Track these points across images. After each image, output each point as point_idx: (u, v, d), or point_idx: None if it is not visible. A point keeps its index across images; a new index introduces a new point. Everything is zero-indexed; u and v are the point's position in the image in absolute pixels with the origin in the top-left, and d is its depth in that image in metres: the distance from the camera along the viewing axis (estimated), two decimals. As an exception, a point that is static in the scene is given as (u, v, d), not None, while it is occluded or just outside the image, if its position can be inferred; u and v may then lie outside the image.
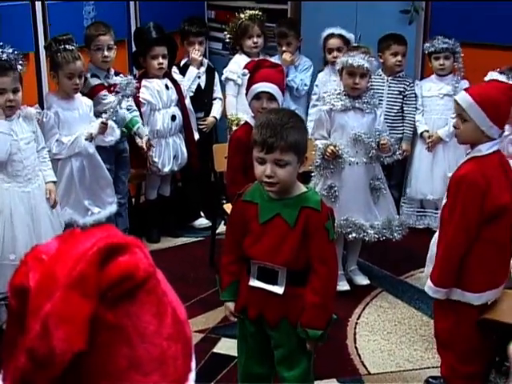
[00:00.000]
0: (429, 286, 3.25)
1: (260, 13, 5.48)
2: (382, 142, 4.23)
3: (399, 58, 5.20)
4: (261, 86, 3.84)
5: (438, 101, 5.18)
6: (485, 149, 3.13)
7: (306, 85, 5.43)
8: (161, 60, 4.95)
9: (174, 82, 5.12)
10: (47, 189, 4.05)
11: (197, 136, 5.29)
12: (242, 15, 5.43)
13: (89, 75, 4.62)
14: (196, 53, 5.34)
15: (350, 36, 5.13)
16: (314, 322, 2.74)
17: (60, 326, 0.84)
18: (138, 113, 4.88)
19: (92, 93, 4.59)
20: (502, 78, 3.38)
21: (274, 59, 5.24)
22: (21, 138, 3.93)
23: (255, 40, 5.38)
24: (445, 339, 3.37)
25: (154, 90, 4.96)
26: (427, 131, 5.20)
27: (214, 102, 5.52)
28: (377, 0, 5.53)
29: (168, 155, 5.11)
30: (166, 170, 5.13)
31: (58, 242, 0.95)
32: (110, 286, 0.88)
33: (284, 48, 5.39)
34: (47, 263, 0.90)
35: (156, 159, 5.05)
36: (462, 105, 3.11)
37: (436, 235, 3.33)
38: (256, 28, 5.38)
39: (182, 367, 0.98)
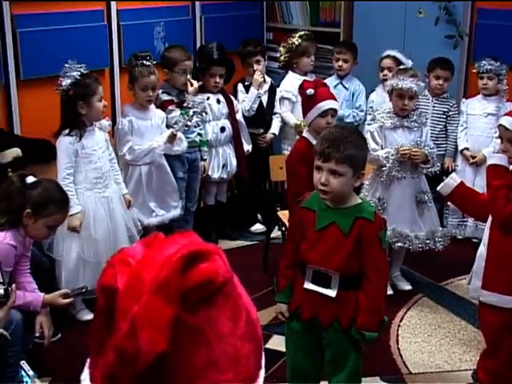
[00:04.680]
0: None
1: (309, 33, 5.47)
2: (401, 148, 4.15)
3: (440, 81, 5.13)
4: (328, 104, 3.83)
5: (481, 119, 5.06)
6: None
7: (362, 110, 5.39)
8: (217, 79, 4.98)
9: (227, 97, 5.12)
10: (127, 199, 4.19)
11: (247, 147, 5.25)
12: (296, 35, 5.38)
13: (160, 91, 4.65)
14: (258, 73, 5.25)
15: (408, 62, 4.95)
16: (368, 325, 2.72)
17: (146, 327, 0.84)
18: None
19: (161, 107, 4.63)
20: None
21: (331, 79, 5.26)
22: (99, 147, 4.00)
23: (313, 58, 5.40)
24: (493, 345, 3.27)
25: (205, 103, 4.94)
26: (467, 149, 5.10)
27: (273, 117, 5.46)
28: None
29: (217, 163, 5.12)
30: (215, 176, 5.14)
31: (143, 246, 0.94)
32: (191, 290, 0.87)
33: (341, 63, 5.37)
34: (134, 267, 0.89)
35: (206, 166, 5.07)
36: None
37: (482, 249, 3.22)
38: (314, 47, 5.40)
39: (253, 365, 0.97)
